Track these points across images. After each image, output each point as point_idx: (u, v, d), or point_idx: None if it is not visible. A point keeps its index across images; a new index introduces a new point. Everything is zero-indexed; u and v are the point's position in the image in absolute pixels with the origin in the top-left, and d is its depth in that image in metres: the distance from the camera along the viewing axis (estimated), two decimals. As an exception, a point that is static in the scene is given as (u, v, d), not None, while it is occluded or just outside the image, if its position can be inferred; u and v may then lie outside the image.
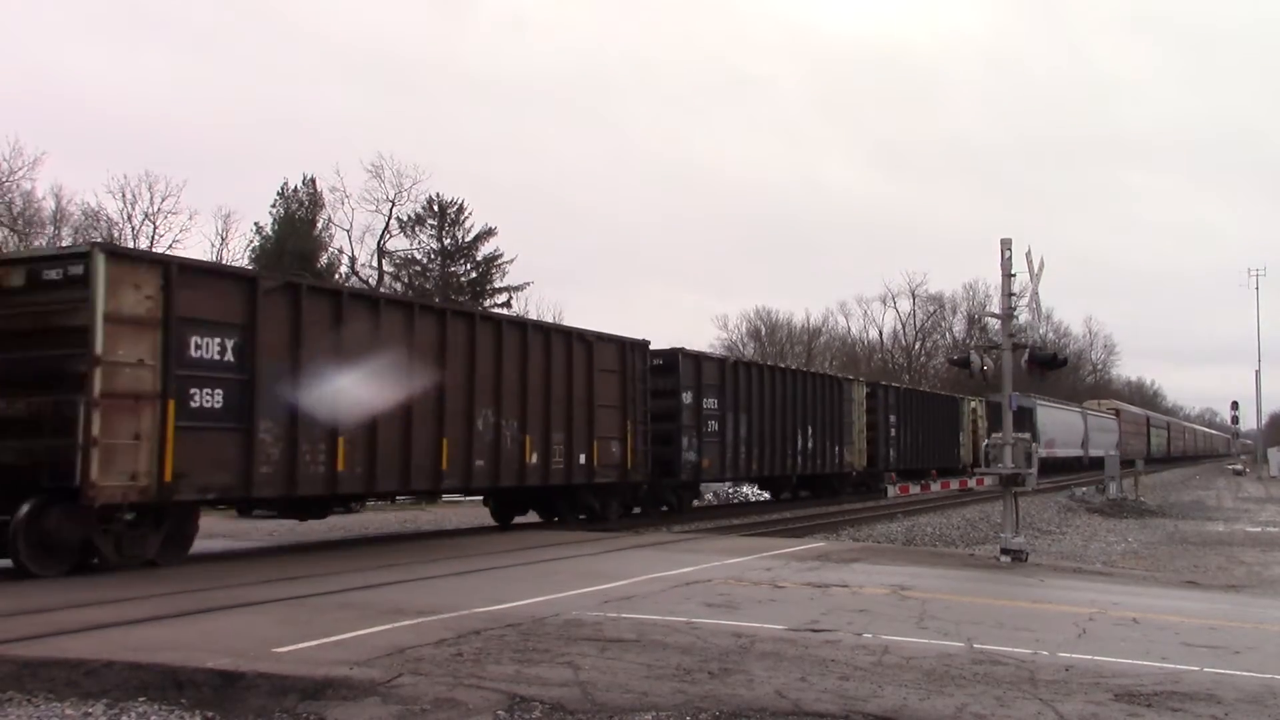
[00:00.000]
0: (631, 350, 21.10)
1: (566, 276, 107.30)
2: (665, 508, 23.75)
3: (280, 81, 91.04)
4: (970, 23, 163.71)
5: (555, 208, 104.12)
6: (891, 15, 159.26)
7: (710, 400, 24.14)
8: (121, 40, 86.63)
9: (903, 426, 36.43)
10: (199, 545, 14.64)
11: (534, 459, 17.99)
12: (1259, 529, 27.04)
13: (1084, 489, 38.81)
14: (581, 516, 20.44)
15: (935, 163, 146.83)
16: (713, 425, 24.18)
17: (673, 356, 23.43)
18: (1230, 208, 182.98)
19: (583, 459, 19.31)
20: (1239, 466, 73.82)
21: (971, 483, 29.57)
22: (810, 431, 29.35)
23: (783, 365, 28.88)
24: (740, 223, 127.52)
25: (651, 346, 22.30)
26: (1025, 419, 46.13)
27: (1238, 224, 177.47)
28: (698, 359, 24.35)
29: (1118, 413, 77.22)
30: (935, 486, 32.21)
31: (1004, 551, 15.12)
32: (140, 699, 6.34)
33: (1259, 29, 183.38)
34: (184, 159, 78.16)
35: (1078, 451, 61.76)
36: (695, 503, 27.30)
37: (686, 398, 23.28)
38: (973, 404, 45.20)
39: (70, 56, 76.65)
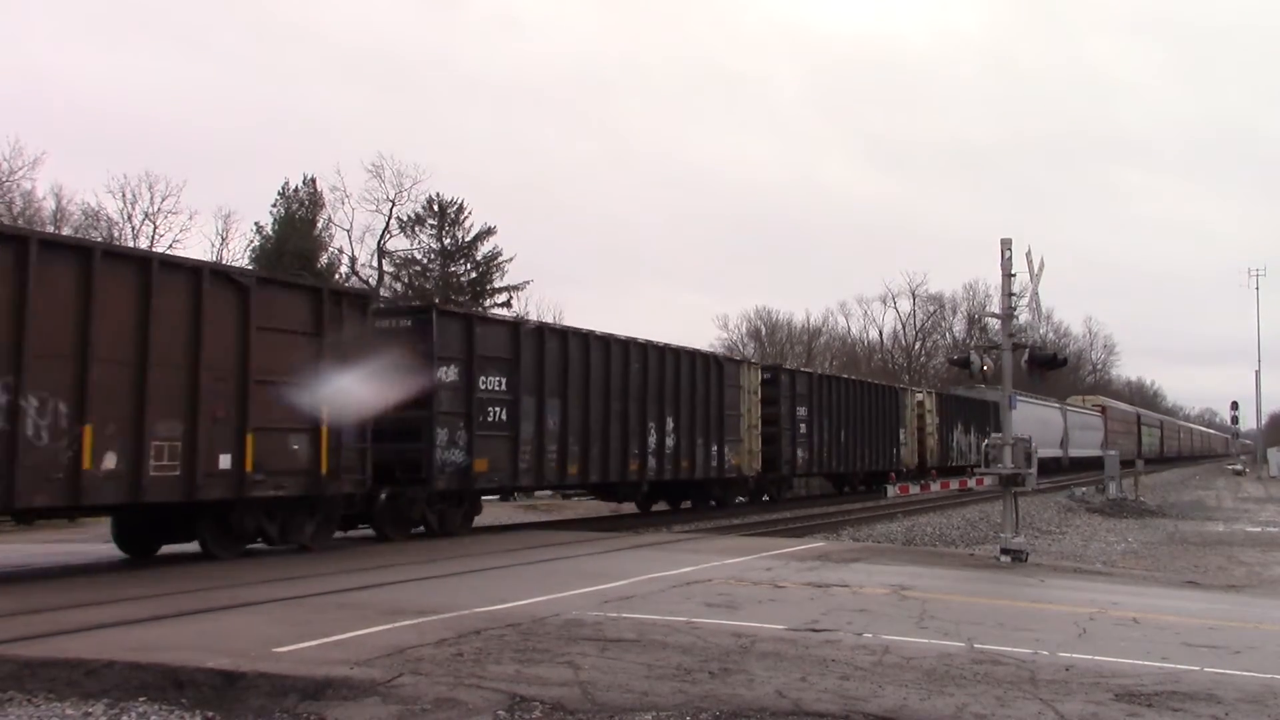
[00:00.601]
0: (338, 303, 14.60)
1: (566, 277, 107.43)
2: (422, 529, 16.98)
3: (281, 81, 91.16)
4: (967, 22, 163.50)
5: (555, 208, 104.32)
6: (886, 13, 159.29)
7: (494, 380, 17.73)
8: (122, 40, 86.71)
9: (818, 421, 30.27)
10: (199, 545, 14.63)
11: (108, 463, 11.50)
12: (1259, 529, 27.04)
13: (1084, 489, 38.78)
14: (257, 544, 14.22)
15: (935, 162, 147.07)
16: (497, 414, 17.82)
17: (424, 317, 16.89)
18: (1230, 207, 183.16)
19: (225, 462, 12.85)
20: (1239, 466, 73.80)
21: (971, 483, 29.59)
22: (671, 426, 22.88)
23: (624, 337, 21.62)
24: (740, 223, 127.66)
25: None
26: (983, 414, 41.85)
27: (1238, 224, 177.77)
28: (469, 320, 17.69)
29: (1103, 410, 71.99)
30: (935, 486, 32.23)
31: (1004, 551, 15.12)
32: (140, 699, 6.34)
33: (1258, 25, 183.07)
34: (184, 159, 78.25)
35: (1055, 451, 56.20)
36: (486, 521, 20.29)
37: (447, 374, 16.79)
38: (919, 396, 39.47)
39: (70, 56, 76.71)
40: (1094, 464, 58.43)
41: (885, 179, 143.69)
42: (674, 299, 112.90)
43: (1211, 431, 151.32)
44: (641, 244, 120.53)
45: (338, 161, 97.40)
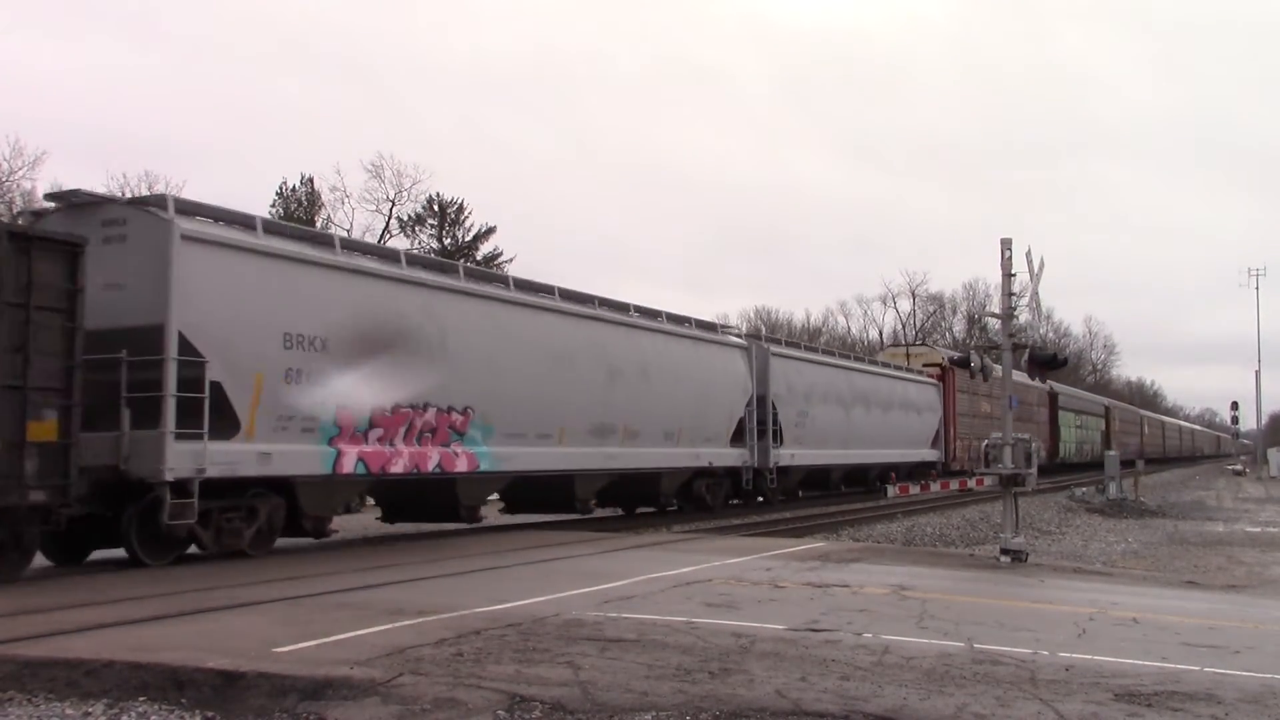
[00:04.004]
0: (24, 250, 10.73)
1: (565, 276, 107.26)
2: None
3: (280, 81, 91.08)
4: (933, 11, 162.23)
5: (556, 208, 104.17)
6: (877, 10, 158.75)
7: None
8: (122, 40, 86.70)
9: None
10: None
11: None
12: (1259, 529, 27.04)
13: (1084, 489, 38.70)
14: None
15: (918, 159, 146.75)
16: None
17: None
18: (1225, 206, 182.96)
19: None
20: (1239, 467, 73.75)
21: (971, 483, 29.61)
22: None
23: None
24: (741, 223, 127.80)
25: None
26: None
27: (1239, 224, 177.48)
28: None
29: (945, 374, 38.44)
30: (935, 487, 32.21)
31: (1004, 551, 15.12)
32: (140, 699, 6.34)
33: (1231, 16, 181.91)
34: (184, 159, 78.18)
35: (831, 453, 30.05)
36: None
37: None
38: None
39: (70, 56, 76.67)
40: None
41: (871, 176, 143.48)
42: (673, 299, 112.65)
43: (1197, 428, 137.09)
44: (644, 245, 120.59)
45: (338, 161, 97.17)
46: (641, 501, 23.27)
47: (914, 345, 44.27)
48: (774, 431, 26.01)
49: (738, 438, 24.93)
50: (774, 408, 26.15)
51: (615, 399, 20.38)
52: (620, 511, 23.50)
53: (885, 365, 35.90)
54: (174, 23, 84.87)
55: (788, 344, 30.44)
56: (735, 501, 25.83)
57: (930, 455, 36.61)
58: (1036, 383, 46.92)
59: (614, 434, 20.33)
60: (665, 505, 23.14)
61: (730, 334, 26.24)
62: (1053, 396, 50.80)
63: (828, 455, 29.67)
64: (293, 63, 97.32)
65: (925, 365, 38.84)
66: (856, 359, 34.86)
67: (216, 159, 75.76)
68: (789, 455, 26.75)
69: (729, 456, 24.61)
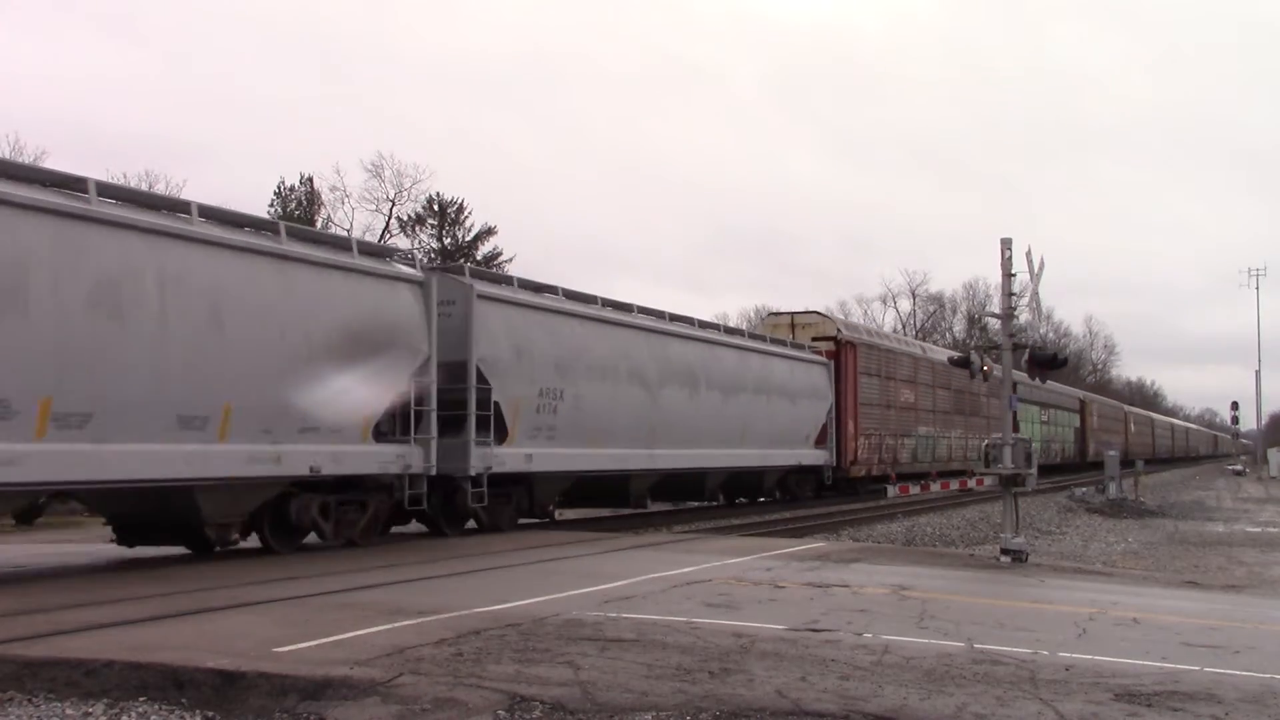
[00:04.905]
0: None
1: (566, 276, 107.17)
2: None
3: (280, 81, 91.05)
4: (955, 17, 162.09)
5: (555, 209, 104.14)
6: (869, 5, 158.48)
7: None
8: (121, 38, 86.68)
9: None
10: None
11: None
12: (1259, 529, 27.05)
13: (1084, 489, 38.62)
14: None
15: (934, 162, 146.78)
16: None
17: None
18: (1232, 208, 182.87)
19: None
20: (1239, 467, 73.76)
21: (971, 483, 29.68)
22: None
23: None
24: (740, 223, 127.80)
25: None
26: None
27: (1239, 224, 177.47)
28: None
29: (841, 350, 29.28)
30: (935, 486, 32.27)
31: (1004, 551, 15.13)
32: (140, 699, 6.35)
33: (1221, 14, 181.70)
34: (184, 159, 78.17)
35: (618, 454, 19.21)
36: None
37: None
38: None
39: (69, 54, 76.62)
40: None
41: (869, 175, 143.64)
42: (671, 299, 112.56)
43: (1192, 427, 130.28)
44: (638, 243, 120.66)
45: (337, 161, 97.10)
46: (190, 536, 13.36)
47: (802, 313, 31.37)
48: (488, 418, 16.19)
49: (406, 428, 15.02)
50: (483, 380, 16.20)
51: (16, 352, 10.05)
52: (188, 551, 13.79)
53: (733, 333, 25.96)
54: (171, 21, 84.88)
55: (525, 285, 18.15)
56: (426, 531, 16.84)
57: (811, 457, 27.22)
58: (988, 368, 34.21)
59: (13, 415, 10.05)
60: (221, 541, 13.14)
61: (394, 259, 15.78)
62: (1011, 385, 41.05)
63: (611, 457, 19.09)
64: (291, 63, 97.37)
65: (815, 339, 28.89)
66: (678, 319, 22.42)
67: (217, 158, 75.73)
68: (521, 456, 16.98)
69: (373, 458, 14.61)
